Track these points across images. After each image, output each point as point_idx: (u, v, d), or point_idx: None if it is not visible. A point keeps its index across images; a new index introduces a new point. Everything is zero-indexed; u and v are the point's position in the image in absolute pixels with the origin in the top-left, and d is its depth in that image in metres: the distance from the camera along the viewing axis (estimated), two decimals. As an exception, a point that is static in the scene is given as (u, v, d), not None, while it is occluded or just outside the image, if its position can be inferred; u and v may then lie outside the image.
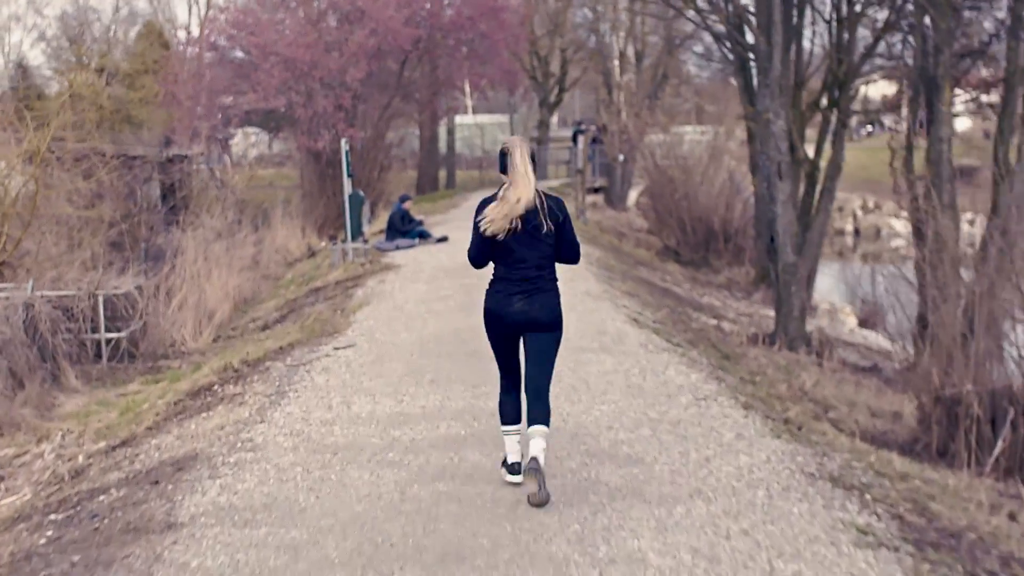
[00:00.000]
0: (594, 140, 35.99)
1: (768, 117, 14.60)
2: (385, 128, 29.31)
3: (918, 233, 15.30)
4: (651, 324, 12.23)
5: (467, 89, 39.33)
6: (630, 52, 38.12)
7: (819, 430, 7.55)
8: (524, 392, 5.70)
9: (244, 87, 26.85)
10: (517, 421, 5.75)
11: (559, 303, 5.66)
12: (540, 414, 5.55)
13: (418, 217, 20.68)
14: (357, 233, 18.57)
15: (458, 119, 45.33)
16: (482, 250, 5.64)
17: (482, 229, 5.53)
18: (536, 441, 5.45)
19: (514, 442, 5.79)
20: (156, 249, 19.81)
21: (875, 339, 19.35)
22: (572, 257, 5.74)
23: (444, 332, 10.70)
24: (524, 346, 5.72)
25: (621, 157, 37.20)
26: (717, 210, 29.35)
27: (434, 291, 13.74)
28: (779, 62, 14.50)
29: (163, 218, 23.25)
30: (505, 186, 5.57)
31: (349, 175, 18.57)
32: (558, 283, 5.71)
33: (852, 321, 21.91)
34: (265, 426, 7.27)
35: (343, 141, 18.92)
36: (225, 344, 14.91)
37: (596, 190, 37.25)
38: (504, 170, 5.59)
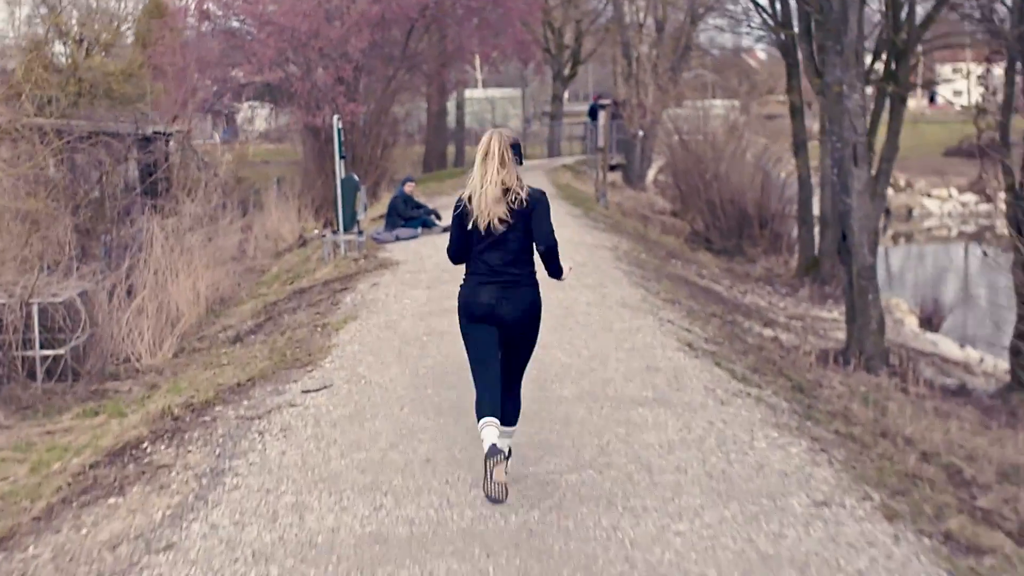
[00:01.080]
0: (612, 116, 33.58)
1: (840, 90, 12.04)
2: (390, 102, 26.86)
3: (1016, 224, 12.82)
4: (706, 346, 9.80)
5: (477, 62, 37.06)
6: (649, 23, 35.83)
7: (997, 549, 5.10)
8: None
9: (238, 58, 24.51)
10: (496, 414, 5.28)
11: (538, 298, 5.46)
12: (510, 414, 5.46)
13: (428, 204, 18.09)
14: (351, 223, 16.01)
15: (468, 93, 43.24)
16: (462, 245, 5.42)
17: (471, 220, 5.29)
18: (502, 440, 5.24)
19: (492, 429, 5.23)
20: (123, 241, 17.30)
21: (947, 346, 16.87)
22: (549, 255, 5.42)
23: (447, 367, 8.25)
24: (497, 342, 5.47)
25: (641, 133, 35.06)
26: (751, 192, 26.80)
27: (436, 300, 11.27)
28: (856, 23, 11.92)
29: (138, 205, 20.69)
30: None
31: (342, 156, 16.06)
32: (536, 276, 5.46)
33: (912, 321, 19.39)
34: (170, 557, 4.81)
35: (335, 118, 16.43)
36: (187, 359, 12.46)
37: (614, 168, 34.84)
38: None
